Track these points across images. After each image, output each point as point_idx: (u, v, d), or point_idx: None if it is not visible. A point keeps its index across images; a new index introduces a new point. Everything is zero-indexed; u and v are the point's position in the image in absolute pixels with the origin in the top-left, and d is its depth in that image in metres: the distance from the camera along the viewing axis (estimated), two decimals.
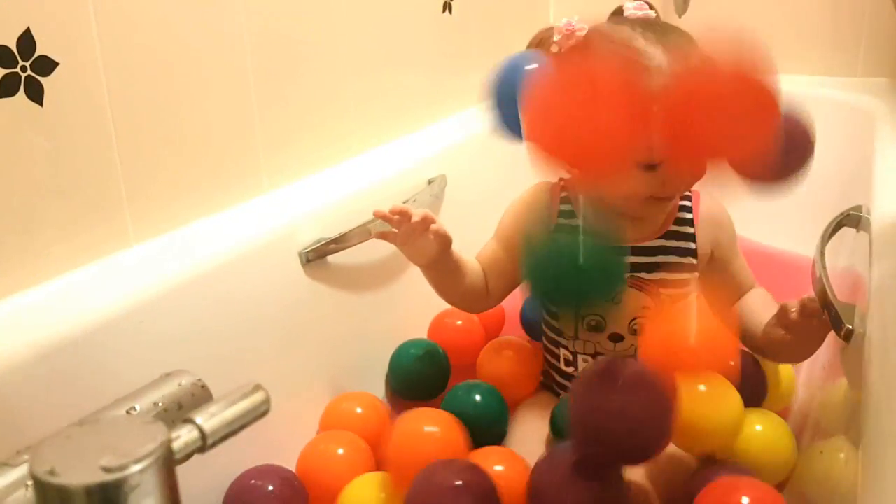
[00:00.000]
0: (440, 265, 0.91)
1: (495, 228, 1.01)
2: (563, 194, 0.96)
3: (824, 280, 0.85)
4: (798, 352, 0.88)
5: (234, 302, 0.88)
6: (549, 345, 1.00)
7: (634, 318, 0.92)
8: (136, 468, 0.27)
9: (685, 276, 0.92)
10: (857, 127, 1.37)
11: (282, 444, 0.93)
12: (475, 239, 1.05)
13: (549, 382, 1.01)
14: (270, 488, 0.83)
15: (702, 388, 0.80)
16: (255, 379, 0.86)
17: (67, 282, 0.80)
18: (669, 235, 0.92)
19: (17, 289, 0.77)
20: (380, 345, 1.11)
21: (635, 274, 0.91)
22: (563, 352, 0.97)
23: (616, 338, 0.93)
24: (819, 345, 0.85)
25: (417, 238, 0.87)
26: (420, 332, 1.16)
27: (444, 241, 0.89)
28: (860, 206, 1.03)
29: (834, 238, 1.03)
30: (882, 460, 0.52)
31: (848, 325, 0.78)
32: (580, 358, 0.95)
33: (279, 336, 0.94)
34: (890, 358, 0.63)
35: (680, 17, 1.63)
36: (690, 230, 0.93)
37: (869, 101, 1.43)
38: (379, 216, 0.87)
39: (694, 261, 0.93)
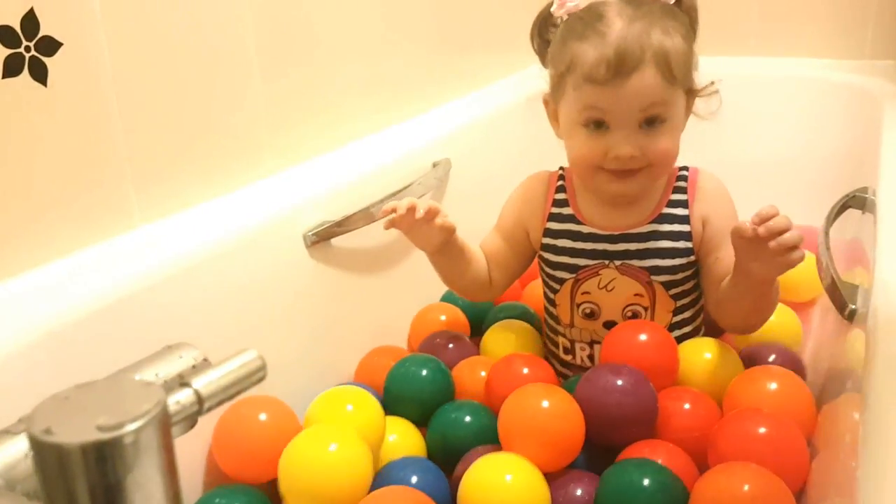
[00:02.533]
0: (444, 253, 0.93)
1: (497, 219, 1.01)
2: (559, 183, 0.96)
3: (828, 260, 0.85)
4: (754, 280, 0.81)
5: (237, 283, 0.88)
6: (549, 332, 1.00)
7: (628, 305, 0.91)
8: (131, 427, 0.27)
9: (679, 261, 0.90)
10: (864, 109, 1.37)
11: None
12: (479, 221, 1.05)
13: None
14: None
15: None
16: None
17: (71, 263, 0.80)
18: (662, 219, 0.91)
19: (21, 269, 0.77)
20: (380, 329, 1.11)
21: (626, 261, 0.90)
22: (561, 339, 0.97)
23: (611, 325, 0.92)
24: (772, 272, 0.79)
25: (422, 227, 0.88)
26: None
27: (448, 231, 0.90)
28: (866, 187, 1.02)
29: (841, 219, 1.02)
30: (885, 434, 0.53)
31: (852, 305, 0.78)
32: (577, 346, 0.95)
33: (282, 317, 0.94)
34: (894, 338, 0.63)
35: None
36: (684, 212, 0.91)
37: (877, 84, 1.42)
38: (387, 212, 0.88)
39: (689, 244, 0.90)
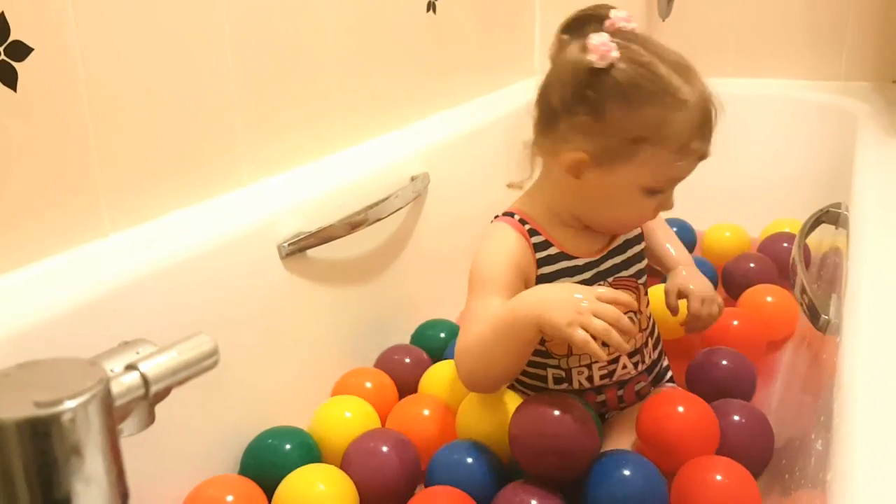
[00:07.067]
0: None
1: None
2: (527, 227, 0.91)
3: (801, 273, 0.86)
4: None
5: (210, 293, 0.87)
6: (531, 368, 0.94)
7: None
8: (70, 404, 0.26)
9: (647, 260, 0.97)
10: (839, 128, 1.39)
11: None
12: (456, 236, 1.05)
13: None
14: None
15: None
16: (229, 371, 0.85)
17: (41, 269, 0.79)
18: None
19: None
20: (356, 341, 1.10)
21: (617, 275, 0.92)
22: (551, 371, 0.93)
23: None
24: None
25: None
26: (398, 333, 1.16)
27: None
28: (839, 203, 1.04)
29: (816, 233, 1.04)
30: (853, 441, 0.52)
31: (825, 316, 0.78)
32: (574, 371, 0.92)
33: (255, 328, 0.93)
34: (864, 349, 0.63)
35: (663, 21, 1.64)
36: None
37: (851, 104, 1.44)
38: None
39: (644, 243, 0.98)
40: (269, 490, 0.85)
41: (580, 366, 0.93)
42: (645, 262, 0.97)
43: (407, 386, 1.06)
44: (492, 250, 0.90)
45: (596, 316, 0.76)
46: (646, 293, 0.96)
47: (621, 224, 0.93)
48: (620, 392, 0.94)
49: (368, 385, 1.03)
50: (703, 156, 0.85)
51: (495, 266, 0.88)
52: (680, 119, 0.81)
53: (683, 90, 0.82)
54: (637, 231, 0.97)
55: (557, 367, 0.93)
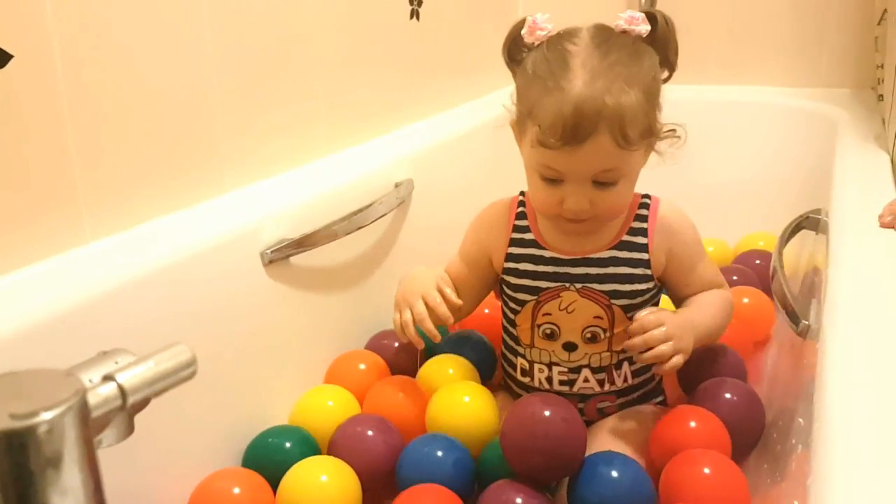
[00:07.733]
0: None
1: (460, 245, 1.01)
2: (520, 209, 0.96)
3: (781, 278, 0.87)
4: None
5: (192, 300, 0.87)
6: (507, 353, 0.99)
7: (587, 327, 0.91)
8: (46, 416, 0.26)
9: (638, 286, 0.91)
10: (819, 134, 1.40)
11: (237, 447, 0.92)
12: (440, 242, 1.05)
13: (508, 389, 1.01)
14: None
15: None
16: (211, 379, 0.85)
17: (20, 277, 0.78)
18: (622, 246, 0.91)
19: None
20: (341, 348, 1.10)
21: (587, 284, 0.91)
22: (519, 360, 0.96)
23: (570, 346, 0.92)
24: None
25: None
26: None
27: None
28: (819, 209, 1.04)
29: (796, 239, 1.04)
30: (832, 445, 0.53)
31: (804, 321, 0.79)
32: (536, 367, 0.94)
33: (237, 337, 0.93)
34: (844, 354, 0.64)
35: None
36: (643, 240, 0.92)
37: (831, 110, 1.45)
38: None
39: (648, 271, 0.91)
40: (272, 485, 0.87)
41: (540, 362, 0.95)
42: (632, 287, 0.91)
43: (399, 369, 1.07)
44: (475, 219, 1.01)
45: (411, 308, 0.92)
46: (631, 318, 0.88)
47: (538, 208, 0.91)
48: (581, 405, 0.94)
49: (362, 367, 1.05)
50: (563, 150, 0.81)
51: (468, 234, 1.01)
52: (549, 103, 0.82)
53: (571, 83, 0.81)
54: (641, 256, 0.91)
55: (524, 356, 0.96)
